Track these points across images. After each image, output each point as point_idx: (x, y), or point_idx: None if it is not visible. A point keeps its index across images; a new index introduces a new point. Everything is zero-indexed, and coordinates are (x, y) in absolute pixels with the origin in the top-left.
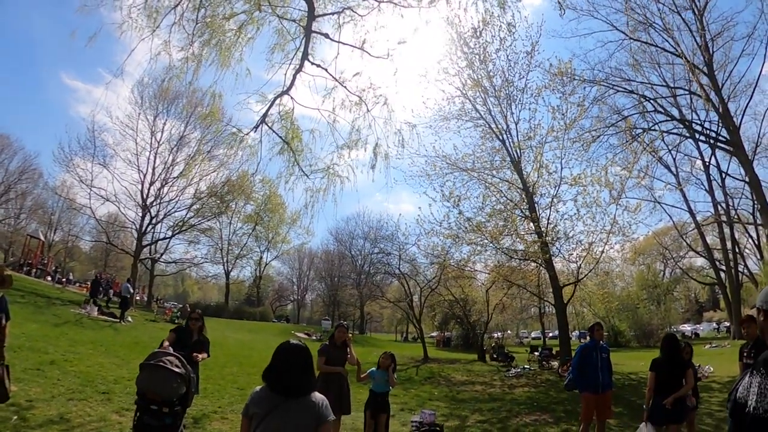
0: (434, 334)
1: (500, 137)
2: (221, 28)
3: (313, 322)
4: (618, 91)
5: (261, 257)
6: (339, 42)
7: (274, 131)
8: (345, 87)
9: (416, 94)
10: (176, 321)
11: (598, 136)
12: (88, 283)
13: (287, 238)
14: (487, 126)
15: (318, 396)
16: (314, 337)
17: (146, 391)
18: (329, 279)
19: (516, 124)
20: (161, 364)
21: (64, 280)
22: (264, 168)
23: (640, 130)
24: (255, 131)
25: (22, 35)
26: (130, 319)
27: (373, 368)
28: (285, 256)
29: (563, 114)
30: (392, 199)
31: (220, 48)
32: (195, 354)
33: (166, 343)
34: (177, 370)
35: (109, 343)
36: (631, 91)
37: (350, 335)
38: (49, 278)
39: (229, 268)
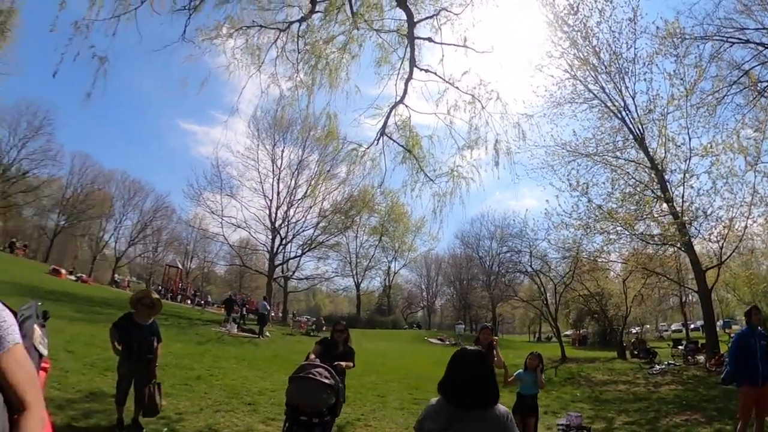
0: (569, 332)
1: (618, 115)
2: (323, 53)
3: (444, 327)
4: (733, 43)
5: (389, 267)
6: (442, 43)
7: (394, 141)
8: (456, 87)
9: (524, 85)
10: (311, 333)
11: (723, 98)
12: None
13: (413, 246)
14: (602, 105)
15: (502, 408)
16: (448, 342)
17: (297, 403)
18: (458, 282)
19: (633, 99)
20: (310, 375)
21: (203, 302)
22: (388, 179)
23: (766, 83)
24: (376, 143)
25: (137, 89)
26: (268, 334)
27: (520, 370)
28: (412, 264)
29: (681, 79)
30: (514, 195)
31: (328, 71)
32: (338, 362)
33: (312, 356)
34: (326, 381)
35: (251, 358)
36: (747, 41)
37: (496, 338)
38: (189, 302)
39: (359, 280)
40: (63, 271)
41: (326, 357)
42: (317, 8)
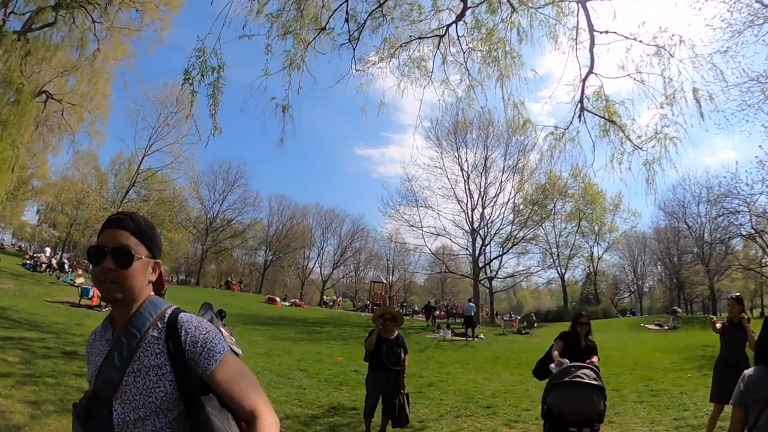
0: None
1: None
2: (489, 45)
3: (654, 312)
4: None
5: (591, 253)
6: None
7: (594, 113)
8: (639, 41)
9: (697, 22)
10: (523, 332)
11: None
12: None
13: (614, 226)
14: None
15: None
16: (666, 327)
17: (564, 412)
18: (667, 259)
19: None
20: (577, 379)
21: (410, 311)
22: (590, 156)
23: None
24: (579, 120)
25: (313, 128)
26: (482, 335)
27: None
28: (615, 246)
29: None
30: (708, 150)
31: (498, 63)
32: (590, 360)
33: (556, 353)
34: (596, 383)
35: (473, 360)
36: None
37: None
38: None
39: (563, 271)
40: (277, 299)
41: (569, 352)
42: (468, 4)
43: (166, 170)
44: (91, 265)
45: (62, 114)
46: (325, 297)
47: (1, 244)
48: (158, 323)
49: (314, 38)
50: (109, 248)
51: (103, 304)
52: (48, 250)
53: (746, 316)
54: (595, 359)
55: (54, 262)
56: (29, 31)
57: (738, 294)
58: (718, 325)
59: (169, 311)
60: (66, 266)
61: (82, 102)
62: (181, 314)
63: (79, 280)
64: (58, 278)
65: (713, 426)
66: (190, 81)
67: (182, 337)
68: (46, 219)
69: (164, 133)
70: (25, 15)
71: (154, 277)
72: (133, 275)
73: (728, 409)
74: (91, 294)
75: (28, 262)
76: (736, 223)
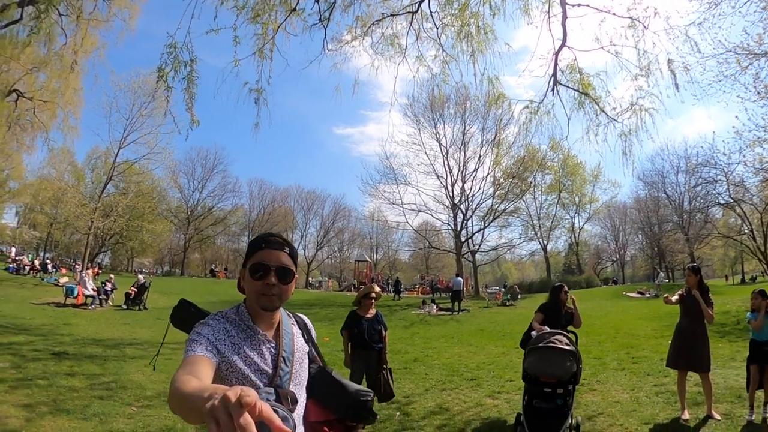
0: None
1: None
2: (462, 21)
3: (637, 280)
4: None
5: (572, 223)
6: None
7: (568, 87)
8: (613, 14)
9: None
10: (507, 304)
11: None
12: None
13: (594, 197)
14: None
15: None
16: (648, 295)
17: (539, 374)
18: (647, 228)
19: None
20: (551, 344)
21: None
22: (565, 129)
23: None
24: (552, 94)
25: (289, 110)
26: (469, 309)
27: (748, 313)
28: (596, 217)
29: None
30: (688, 120)
31: (471, 38)
32: (570, 327)
33: (536, 324)
34: (567, 347)
35: (458, 334)
36: None
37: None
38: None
39: (545, 242)
40: None
41: (551, 323)
42: None
43: (143, 161)
44: (254, 279)
45: (34, 112)
46: (310, 279)
47: None
48: (294, 321)
49: (285, 20)
50: (273, 266)
51: (89, 302)
52: (13, 249)
53: (705, 285)
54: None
55: (37, 263)
56: None
57: (694, 264)
58: (674, 298)
59: (291, 314)
60: (49, 267)
61: (54, 98)
62: (299, 314)
63: (63, 280)
64: (42, 279)
65: (683, 391)
66: (164, 77)
67: (310, 329)
68: (26, 220)
69: (138, 125)
70: None
71: (293, 290)
72: (290, 289)
73: (695, 375)
74: (75, 293)
75: (10, 265)
76: (714, 192)
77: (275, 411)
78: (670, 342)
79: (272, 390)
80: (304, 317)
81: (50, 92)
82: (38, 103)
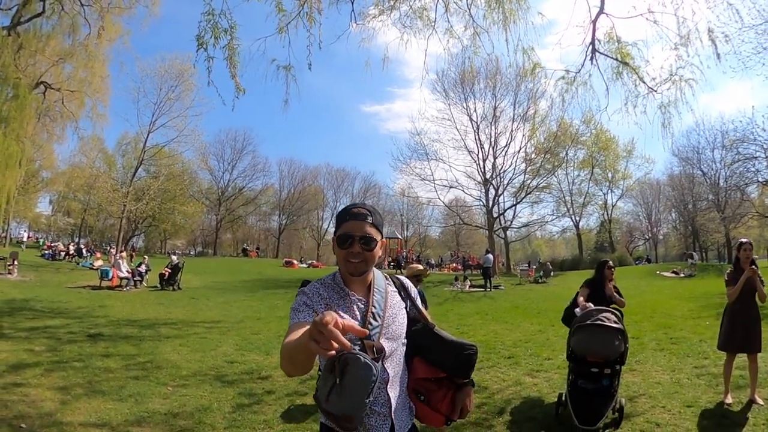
0: None
1: None
2: None
3: (669, 259)
4: None
5: (605, 200)
6: None
7: (607, 55)
8: None
9: None
10: (540, 281)
11: None
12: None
13: (627, 173)
14: None
15: None
16: (683, 274)
17: (587, 353)
18: (682, 206)
19: None
20: (599, 322)
21: (427, 266)
22: (604, 100)
23: None
24: (592, 63)
25: (316, 88)
26: (502, 286)
27: None
28: (629, 194)
29: None
30: (720, 95)
31: (501, 4)
32: (617, 301)
33: (581, 299)
34: (616, 325)
35: (492, 311)
36: None
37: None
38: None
39: (577, 219)
40: (295, 261)
41: (595, 299)
42: None
43: (172, 145)
44: (338, 247)
45: (62, 102)
46: None
47: (20, 240)
48: (391, 282)
49: None
50: (357, 236)
51: (123, 283)
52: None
53: (755, 270)
54: (622, 299)
55: (71, 248)
56: (18, 24)
57: (748, 240)
58: (734, 288)
59: (388, 276)
60: (84, 251)
61: (81, 87)
62: (397, 276)
63: (98, 263)
64: (78, 264)
65: (729, 374)
66: (204, 46)
67: (408, 288)
68: (60, 208)
69: (166, 108)
70: (12, 9)
71: (380, 253)
72: (376, 254)
73: (742, 357)
74: (110, 275)
75: (46, 252)
76: (753, 169)
77: (359, 357)
78: (721, 323)
79: (359, 342)
80: (403, 278)
81: (77, 82)
82: (66, 93)
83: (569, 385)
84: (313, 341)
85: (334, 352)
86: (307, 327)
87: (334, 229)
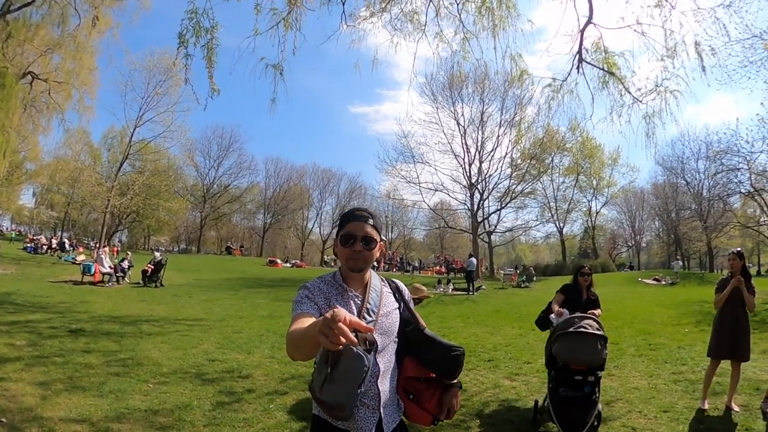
0: None
1: None
2: None
3: (651, 267)
4: None
5: (589, 207)
6: None
7: (593, 65)
8: None
9: None
10: (522, 286)
11: None
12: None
13: (612, 180)
14: None
15: None
16: (664, 282)
17: (569, 361)
18: (665, 215)
19: None
20: (582, 330)
21: (410, 268)
22: (589, 109)
23: None
24: (578, 72)
25: (305, 88)
26: (484, 287)
27: None
28: (613, 201)
29: None
30: (707, 108)
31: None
32: (592, 311)
33: (555, 305)
34: (599, 332)
35: (474, 314)
36: None
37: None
38: (396, 269)
39: (561, 225)
40: (279, 261)
41: (571, 305)
42: None
43: (158, 140)
44: (340, 246)
45: (49, 93)
46: (325, 257)
47: (1, 230)
48: (386, 283)
49: None
50: (359, 236)
51: (105, 279)
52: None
53: (740, 280)
54: (597, 311)
55: (54, 242)
56: (8, 12)
57: (739, 249)
58: (721, 296)
59: (384, 278)
60: (66, 245)
61: (69, 79)
62: (393, 279)
63: (80, 258)
64: (60, 258)
65: (710, 381)
66: (185, 44)
67: (402, 291)
68: (43, 201)
69: (154, 103)
70: None
71: (378, 254)
72: (374, 254)
73: (724, 364)
74: (92, 270)
75: (29, 245)
76: (735, 180)
77: (351, 348)
78: (711, 331)
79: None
80: (398, 281)
81: (65, 73)
82: (53, 84)
83: (550, 392)
84: (322, 335)
85: (341, 347)
86: (312, 318)
87: (337, 230)
